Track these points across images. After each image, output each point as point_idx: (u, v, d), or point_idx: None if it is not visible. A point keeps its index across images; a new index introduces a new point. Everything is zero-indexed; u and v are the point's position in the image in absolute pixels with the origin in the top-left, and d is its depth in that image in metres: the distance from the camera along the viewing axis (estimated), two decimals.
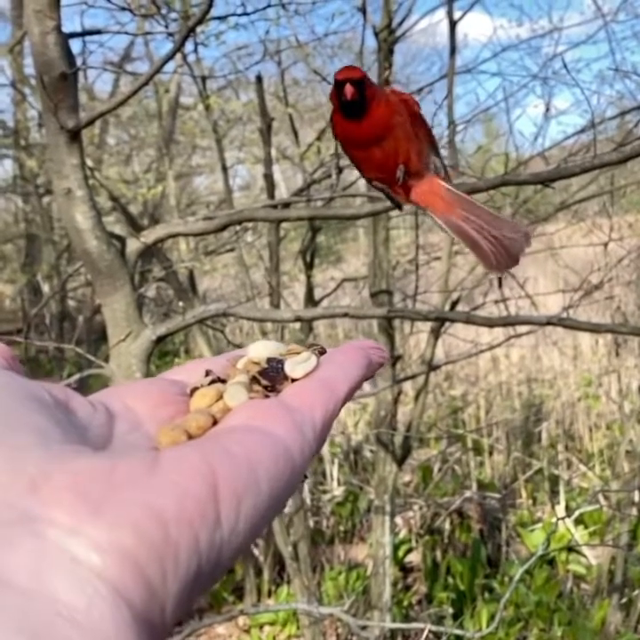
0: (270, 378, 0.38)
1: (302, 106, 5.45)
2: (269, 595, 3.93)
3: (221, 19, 2.72)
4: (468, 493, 4.52)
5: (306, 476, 0.35)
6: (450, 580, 3.84)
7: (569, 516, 2.38)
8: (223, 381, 0.39)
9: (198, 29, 2.55)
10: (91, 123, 1.77)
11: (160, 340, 1.80)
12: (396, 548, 3.74)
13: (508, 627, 3.34)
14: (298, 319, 1.88)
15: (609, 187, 3.93)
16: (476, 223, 0.94)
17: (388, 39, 3.13)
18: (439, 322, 3.11)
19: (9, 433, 0.27)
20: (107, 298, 1.79)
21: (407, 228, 5.44)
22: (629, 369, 5.34)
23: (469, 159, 3.52)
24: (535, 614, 3.46)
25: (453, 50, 3.31)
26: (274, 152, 4.09)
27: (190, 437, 0.33)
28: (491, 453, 5.10)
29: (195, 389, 0.38)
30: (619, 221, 4.00)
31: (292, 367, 0.38)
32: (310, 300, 3.90)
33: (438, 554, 4.12)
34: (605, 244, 3.42)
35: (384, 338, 3.18)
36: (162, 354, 6.95)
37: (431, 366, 3.33)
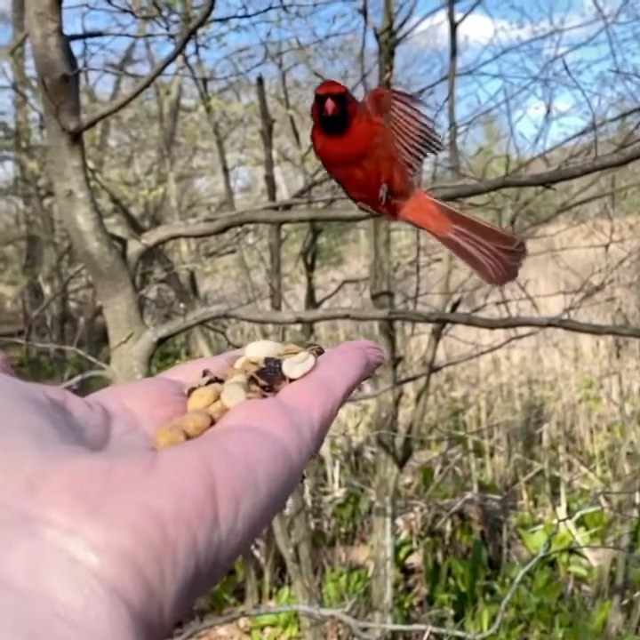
0: (268, 378, 0.38)
1: (303, 108, 5.44)
2: (270, 596, 3.92)
3: (222, 21, 2.72)
4: (468, 495, 4.52)
5: (304, 476, 0.35)
6: (451, 581, 3.84)
7: (570, 517, 2.39)
8: (221, 381, 0.39)
9: (199, 31, 2.55)
10: (92, 125, 1.77)
11: (161, 341, 1.81)
12: (397, 549, 3.74)
13: (508, 628, 3.34)
14: (299, 321, 1.89)
15: (610, 188, 3.93)
16: (471, 238, 0.92)
17: (389, 41, 3.14)
18: (440, 323, 3.11)
19: (5, 433, 0.27)
20: (108, 299, 1.79)
21: (408, 230, 5.44)
22: (630, 371, 5.34)
23: (470, 161, 3.51)
24: (536, 616, 3.46)
25: (454, 52, 3.32)
26: (275, 154, 4.10)
27: (188, 438, 0.33)
28: (492, 455, 5.10)
29: (192, 389, 0.38)
30: (620, 223, 4.00)
31: (290, 367, 0.38)
32: (311, 302, 3.90)
33: (439, 555, 4.12)
34: (606, 246, 3.42)
35: (385, 339, 3.18)
36: (163, 355, 6.95)
37: (432, 368, 3.33)
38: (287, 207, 2.36)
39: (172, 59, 1.71)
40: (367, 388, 4.81)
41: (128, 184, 5.84)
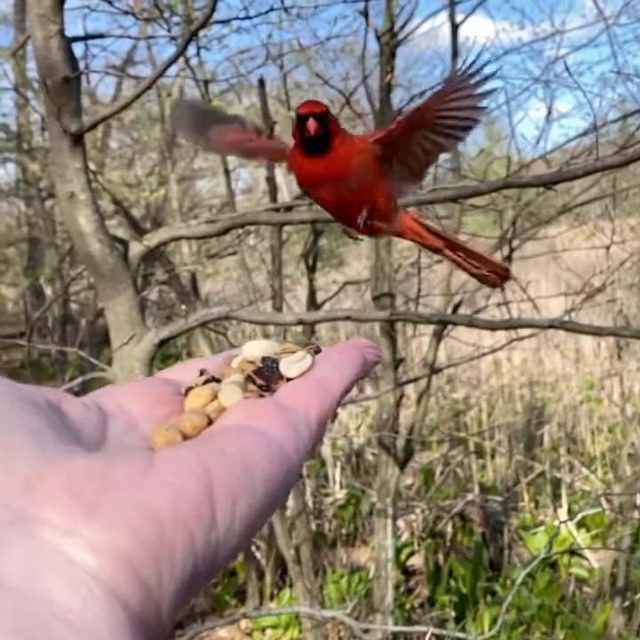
0: (265, 377, 0.38)
1: None
2: (272, 598, 3.92)
3: (224, 22, 2.73)
4: (470, 496, 4.51)
5: (301, 475, 0.35)
6: (452, 583, 3.84)
7: (571, 519, 2.39)
8: (218, 381, 0.39)
9: (201, 33, 2.55)
10: (94, 127, 1.77)
11: (163, 343, 1.81)
12: (398, 551, 3.74)
13: (510, 630, 3.34)
14: (300, 322, 1.89)
15: (611, 189, 3.93)
16: (461, 254, 0.93)
17: (390, 42, 3.14)
18: (441, 325, 3.11)
19: (4, 434, 0.28)
20: (109, 301, 1.79)
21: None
22: (631, 372, 5.33)
23: (471, 162, 3.52)
24: (537, 617, 3.46)
25: (455, 53, 3.32)
26: None
27: (185, 437, 0.33)
28: (493, 456, 5.10)
29: (189, 389, 0.38)
30: (621, 224, 3.99)
31: (287, 366, 0.38)
32: (312, 304, 3.90)
33: (440, 557, 4.12)
34: (607, 247, 3.42)
35: (386, 341, 3.18)
36: (164, 357, 6.94)
37: (433, 369, 3.33)
38: (288, 209, 2.37)
39: (173, 60, 1.71)
40: (368, 389, 4.81)
41: (129, 186, 5.84)
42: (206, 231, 1.95)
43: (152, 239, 1.97)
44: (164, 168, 5.43)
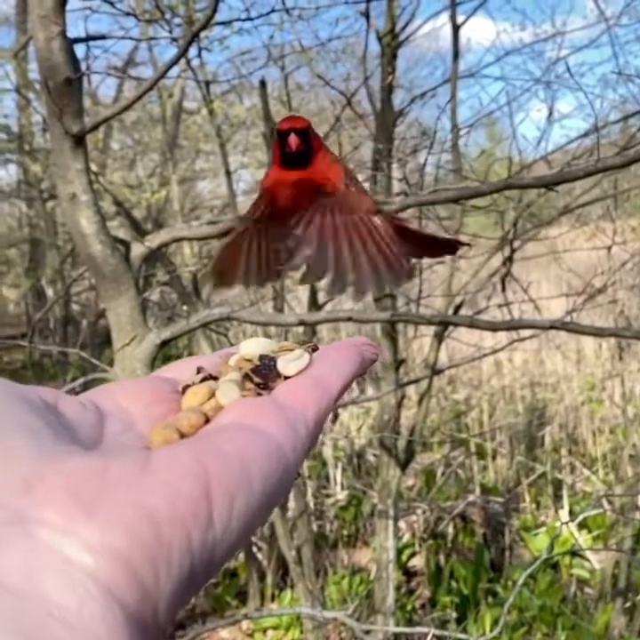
0: (263, 375, 0.38)
1: (306, 110, 5.45)
2: (273, 599, 3.92)
3: (225, 24, 2.73)
4: (471, 497, 4.51)
5: (299, 474, 0.35)
6: (453, 584, 3.84)
7: (572, 520, 2.39)
8: (215, 379, 0.39)
9: (202, 34, 2.56)
10: (95, 128, 1.77)
11: (164, 343, 1.81)
12: (399, 552, 3.74)
13: (511, 631, 3.33)
14: (301, 323, 1.89)
15: (612, 190, 3.93)
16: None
17: (392, 43, 3.14)
18: (442, 326, 3.11)
19: (1, 434, 0.28)
20: (111, 302, 1.79)
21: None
22: (633, 373, 5.33)
23: (473, 163, 3.51)
24: (539, 619, 3.45)
25: (456, 54, 3.32)
26: None
27: (182, 436, 0.33)
28: (494, 457, 5.10)
29: (187, 387, 0.38)
30: (622, 225, 3.99)
31: (285, 365, 0.38)
32: (314, 304, 3.90)
33: (442, 558, 4.11)
34: (609, 248, 3.42)
35: (387, 342, 3.18)
36: (166, 358, 6.93)
37: (434, 370, 3.33)
38: None
39: (174, 62, 1.71)
40: (369, 390, 4.81)
41: (131, 187, 5.85)
42: (208, 232, 1.95)
43: (153, 240, 1.97)
44: (166, 169, 5.44)
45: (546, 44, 4.67)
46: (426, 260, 3.60)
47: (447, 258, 3.61)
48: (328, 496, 4.70)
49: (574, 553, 3.84)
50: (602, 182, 3.93)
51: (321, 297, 3.73)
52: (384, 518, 3.27)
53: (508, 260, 3.27)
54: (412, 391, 4.74)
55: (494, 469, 5.03)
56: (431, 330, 3.42)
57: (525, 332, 2.90)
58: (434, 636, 2.03)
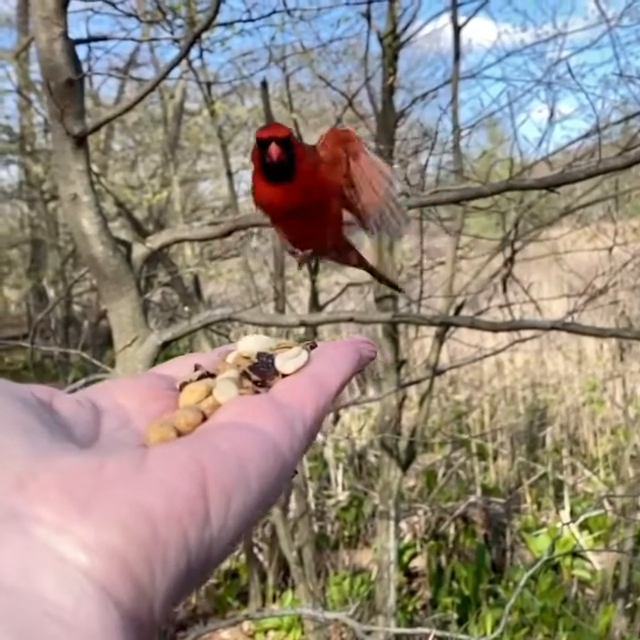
0: (260, 373, 0.38)
1: (307, 111, 5.45)
2: (274, 600, 3.92)
3: (227, 25, 2.73)
4: (472, 498, 4.51)
5: (296, 472, 0.35)
6: (454, 585, 3.84)
7: (574, 521, 2.39)
8: (213, 376, 0.39)
9: (203, 35, 2.56)
10: (97, 128, 1.78)
11: (166, 344, 1.81)
12: (400, 553, 3.74)
13: (512, 632, 3.33)
14: (303, 324, 1.89)
15: (613, 191, 3.93)
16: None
17: (393, 44, 3.14)
18: (444, 326, 3.11)
19: None
20: (112, 303, 1.79)
21: (411, 233, 5.43)
22: (634, 374, 5.33)
23: (474, 164, 3.51)
24: (540, 620, 3.45)
25: (458, 55, 3.32)
26: None
27: (179, 434, 0.33)
28: (495, 458, 5.10)
29: (184, 384, 0.38)
30: (623, 226, 3.99)
31: (283, 362, 0.38)
32: (315, 305, 3.90)
33: (443, 559, 4.11)
34: (610, 249, 3.42)
35: (389, 343, 3.18)
36: (167, 358, 6.88)
37: (436, 371, 3.33)
38: None
39: (176, 63, 1.71)
40: (371, 391, 4.81)
41: (132, 188, 5.85)
42: (209, 233, 1.95)
43: (155, 241, 1.97)
44: (167, 170, 5.44)
45: (547, 44, 4.67)
46: (428, 262, 3.61)
47: (448, 259, 3.61)
48: (329, 497, 4.70)
49: (575, 554, 3.83)
50: (603, 183, 3.93)
51: (322, 298, 3.73)
52: (385, 519, 3.27)
53: (510, 261, 3.27)
54: (413, 392, 4.73)
55: (495, 470, 5.03)
56: (432, 331, 3.42)
57: (526, 333, 2.90)
58: (435, 636, 2.03)
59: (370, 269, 1.01)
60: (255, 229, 4.10)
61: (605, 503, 3.88)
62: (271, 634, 3.69)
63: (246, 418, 0.33)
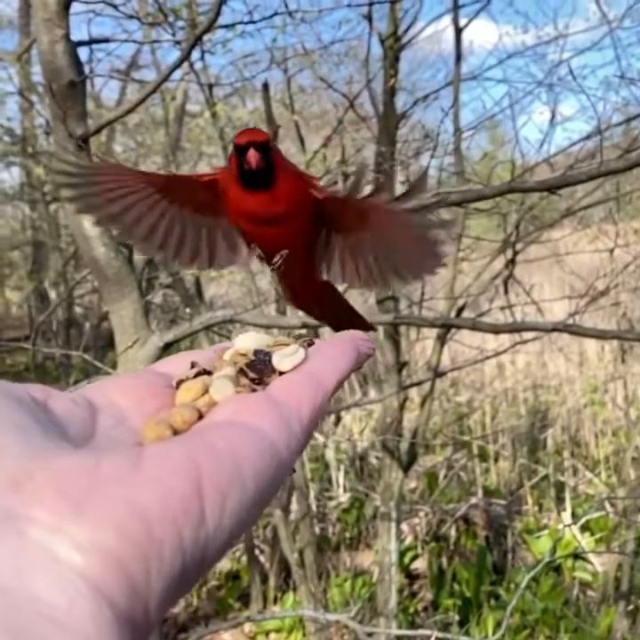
0: (257, 370, 0.38)
1: (308, 113, 5.45)
2: (275, 601, 3.92)
3: (228, 27, 2.73)
4: (473, 500, 4.51)
5: (294, 470, 0.35)
6: (456, 586, 3.83)
7: (575, 522, 2.38)
8: (209, 373, 0.38)
9: (205, 37, 2.56)
10: (99, 130, 1.78)
11: (167, 346, 1.81)
12: (401, 554, 3.73)
13: (514, 634, 3.33)
14: (304, 326, 1.89)
15: (614, 193, 3.93)
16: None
17: (394, 46, 3.15)
18: (445, 328, 3.11)
19: None
20: (114, 305, 1.80)
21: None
22: (635, 375, 5.33)
23: (475, 166, 3.51)
24: (541, 621, 3.45)
25: (459, 57, 3.32)
26: None
27: (175, 432, 0.33)
28: (496, 460, 5.09)
29: (181, 382, 0.38)
30: (624, 228, 3.99)
31: (280, 360, 0.38)
32: None
33: (444, 561, 4.11)
34: (611, 251, 3.42)
35: (390, 344, 3.18)
36: None
37: (437, 373, 3.33)
38: None
39: (178, 65, 1.72)
40: (372, 392, 4.81)
41: None
42: None
43: None
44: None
45: (548, 46, 4.68)
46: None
47: (449, 260, 3.61)
48: (330, 499, 4.70)
49: (577, 556, 3.83)
50: (604, 185, 3.93)
51: None
52: (386, 521, 3.27)
53: (511, 263, 3.27)
54: (414, 394, 4.73)
55: (497, 472, 5.02)
56: (434, 332, 3.42)
57: (528, 335, 2.90)
58: (436, 638, 2.03)
59: (340, 314, 0.91)
60: None
61: (607, 505, 3.88)
62: (272, 635, 3.68)
63: (242, 416, 0.33)
